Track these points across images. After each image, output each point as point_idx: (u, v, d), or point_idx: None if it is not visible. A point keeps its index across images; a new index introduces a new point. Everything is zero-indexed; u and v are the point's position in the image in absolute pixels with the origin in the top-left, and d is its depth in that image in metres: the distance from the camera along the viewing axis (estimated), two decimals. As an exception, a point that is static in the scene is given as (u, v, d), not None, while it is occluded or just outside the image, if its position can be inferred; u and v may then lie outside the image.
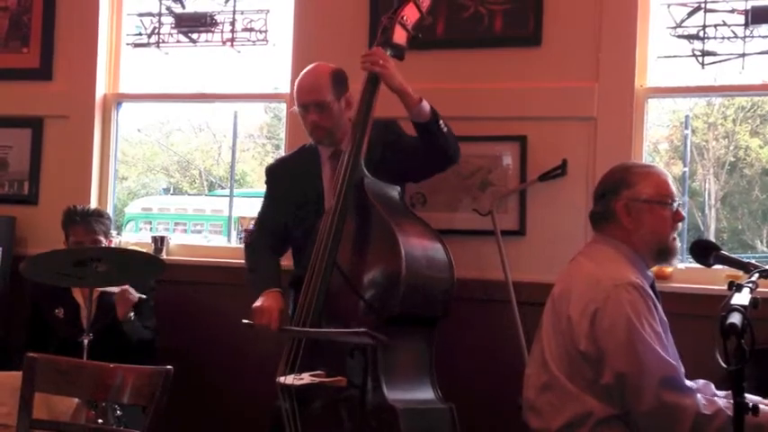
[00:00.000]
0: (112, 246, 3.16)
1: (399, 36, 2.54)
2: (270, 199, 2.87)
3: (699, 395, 1.91)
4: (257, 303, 2.57)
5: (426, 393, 2.41)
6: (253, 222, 3.10)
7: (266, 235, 2.82)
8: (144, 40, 3.61)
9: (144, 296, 2.98)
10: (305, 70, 2.75)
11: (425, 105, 2.52)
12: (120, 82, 3.67)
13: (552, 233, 2.97)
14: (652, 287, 2.07)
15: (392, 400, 2.29)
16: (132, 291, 2.93)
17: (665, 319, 2.01)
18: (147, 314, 3.07)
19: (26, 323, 3.19)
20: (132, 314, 2.94)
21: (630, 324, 1.91)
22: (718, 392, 2.09)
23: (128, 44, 3.65)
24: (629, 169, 2.15)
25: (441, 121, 2.55)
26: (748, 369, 1.54)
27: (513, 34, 3.06)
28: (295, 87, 2.73)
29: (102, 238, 3.08)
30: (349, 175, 2.44)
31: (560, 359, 2.01)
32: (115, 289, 2.91)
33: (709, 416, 1.86)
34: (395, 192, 2.55)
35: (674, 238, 2.12)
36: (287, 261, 2.86)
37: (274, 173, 2.90)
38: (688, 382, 2.02)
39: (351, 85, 2.73)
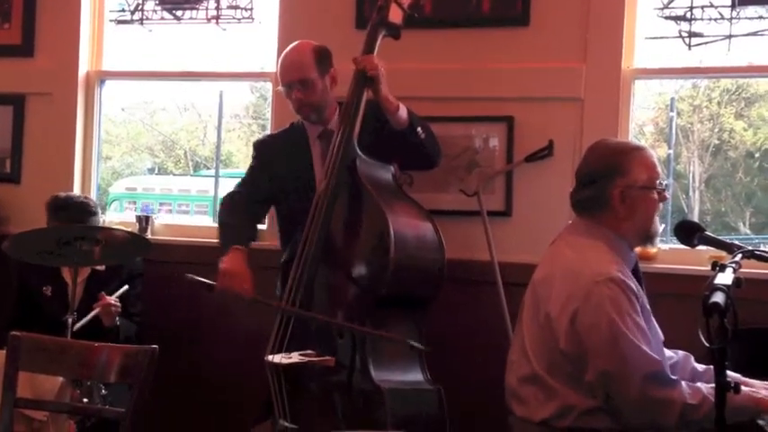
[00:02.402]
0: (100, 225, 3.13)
1: (395, 15, 2.53)
2: (256, 170, 2.83)
3: (684, 384, 1.91)
4: (225, 264, 2.50)
5: (414, 375, 2.41)
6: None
7: (249, 196, 2.78)
8: (127, 16, 3.56)
9: (126, 287, 2.93)
10: (287, 49, 2.73)
11: (402, 112, 2.51)
12: (103, 59, 3.63)
13: (538, 214, 2.98)
14: (636, 269, 2.07)
15: (379, 380, 2.30)
16: (112, 299, 2.84)
17: (648, 306, 2.00)
18: (132, 301, 3.05)
19: (13, 301, 3.17)
20: (118, 320, 2.88)
21: (612, 321, 1.88)
22: (698, 366, 2.11)
23: (111, 21, 3.61)
24: (620, 153, 2.07)
25: (418, 129, 2.53)
26: (732, 349, 1.56)
27: (502, 14, 3.05)
28: (278, 67, 2.72)
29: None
30: (342, 155, 2.44)
31: (540, 353, 1.99)
32: (94, 312, 2.81)
33: (696, 405, 1.86)
34: (388, 172, 2.54)
35: (657, 219, 2.11)
36: (274, 241, 2.85)
37: (263, 148, 2.87)
38: (669, 353, 2.03)
39: (336, 65, 2.72)
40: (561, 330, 1.93)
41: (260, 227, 3.19)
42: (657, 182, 2.06)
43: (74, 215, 2.99)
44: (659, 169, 2.09)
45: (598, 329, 1.89)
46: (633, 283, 1.97)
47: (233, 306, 2.84)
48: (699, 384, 1.93)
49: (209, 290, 2.44)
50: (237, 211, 2.74)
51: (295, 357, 2.35)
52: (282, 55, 2.73)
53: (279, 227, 2.84)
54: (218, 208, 3.94)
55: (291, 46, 2.73)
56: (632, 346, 1.88)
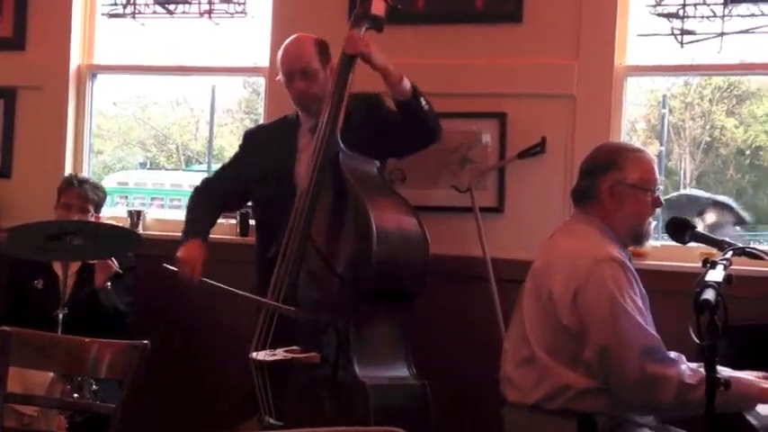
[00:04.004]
0: (91, 220, 3.13)
1: (377, 7, 2.52)
2: (237, 160, 2.89)
3: (683, 365, 1.94)
4: (180, 253, 2.63)
5: (400, 370, 2.41)
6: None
7: (218, 188, 2.85)
8: (119, 10, 3.55)
9: (121, 272, 2.97)
10: (288, 40, 2.73)
11: (406, 83, 2.51)
12: (94, 53, 3.61)
13: (530, 210, 2.99)
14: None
15: (362, 376, 2.29)
16: (114, 262, 2.96)
17: (645, 292, 2.04)
18: (123, 292, 3.05)
19: (4, 294, 3.16)
20: (109, 284, 2.96)
21: (613, 298, 1.93)
22: (691, 364, 2.12)
23: (103, 14, 3.59)
24: (619, 151, 2.15)
25: (422, 99, 2.54)
26: (722, 345, 1.57)
27: (494, 10, 3.05)
28: (279, 57, 2.72)
29: (91, 208, 3.09)
30: (324, 149, 2.43)
31: (542, 334, 2.03)
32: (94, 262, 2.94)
33: (693, 385, 1.88)
34: (372, 166, 2.54)
35: (649, 222, 2.15)
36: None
37: (251, 138, 2.89)
38: (672, 353, 2.05)
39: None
40: (564, 307, 1.97)
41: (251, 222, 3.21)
42: (652, 186, 2.10)
43: (86, 187, 3.10)
44: (656, 175, 2.14)
45: (599, 306, 1.94)
46: (632, 265, 2.02)
47: (223, 300, 2.84)
48: (701, 369, 1.94)
49: (173, 275, 2.59)
50: (201, 203, 2.84)
51: (279, 354, 2.35)
52: (284, 45, 2.73)
53: (255, 219, 2.86)
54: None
55: (293, 37, 2.74)
56: (632, 322, 1.91)
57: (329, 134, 2.43)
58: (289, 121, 2.81)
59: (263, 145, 2.81)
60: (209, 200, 2.84)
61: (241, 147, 2.91)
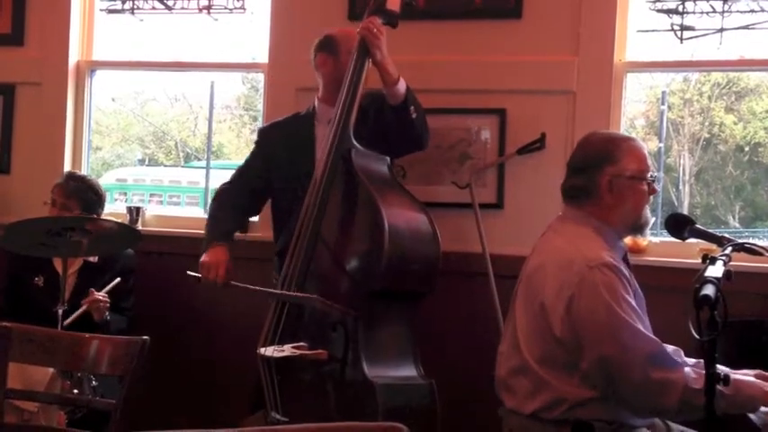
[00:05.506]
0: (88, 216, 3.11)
1: (393, 2, 2.51)
2: (257, 156, 2.82)
3: (687, 368, 1.91)
4: (204, 258, 2.59)
5: (407, 369, 2.40)
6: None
7: (241, 188, 2.78)
8: (118, 6, 3.54)
9: (119, 279, 2.91)
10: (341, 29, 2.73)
11: (401, 87, 2.49)
12: (93, 49, 3.61)
13: (530, 206, 2.99)
14: (625, 260, 2.07)
15: (371, 375, 2.28)
16: (101, 295, 2.83)
17: (641, 292, 2.01)
18: (124, 296, 3.03)
19: (5, 291, 3.15)
20: (108, 315, 2.88)
21: (609, 307, 1.88)
22: (688, 360, 2.12)
23: (101, 10, 3.58)
24: (611, 142, 2.08)
25: (411, 108, 2.51)
26: (721, 341, 1.57)
27: (494, 7, 3.05)
28: (350, 33, 2.66)
29: (74, 205, 3.02)
30: (336, 145, 2.42)
31: (533, 343, 1.99)
32: (82, 309, 2.80)
33: (698, 390, 1.82)
34: (383, 163, 2.52)
35: (647, 210, 2.11)
36: (267, 232, 2.85)
37: (267, 134, 2.85)
38: (670, 347, 2.05)
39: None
40: (556, 318, 1.92)
41: (252, 219, 3.19)
42: (648, 174, 2.06)
43: (70, 184, 3.04)
44: (649, 161, 2.09)
45: (595, 316, 1.89)
46: (624, 268, 1.98)
47: (224, 295, 2.85)
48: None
49: (197, 282, 2.57)
50: (224, 205, 2.77)
51: (287, 350, 2.34)
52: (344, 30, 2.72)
53: (273, 216, 2.83)
54: (209, 199, 3.93)
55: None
56: (631, 330, 1.88)
57: (342, 130, 2.43)
58: (302, 116, 2.77)
59: (281, 138, 2.77)
60: (229, 201, 2.76)
61: (257, 143, 2.85)
